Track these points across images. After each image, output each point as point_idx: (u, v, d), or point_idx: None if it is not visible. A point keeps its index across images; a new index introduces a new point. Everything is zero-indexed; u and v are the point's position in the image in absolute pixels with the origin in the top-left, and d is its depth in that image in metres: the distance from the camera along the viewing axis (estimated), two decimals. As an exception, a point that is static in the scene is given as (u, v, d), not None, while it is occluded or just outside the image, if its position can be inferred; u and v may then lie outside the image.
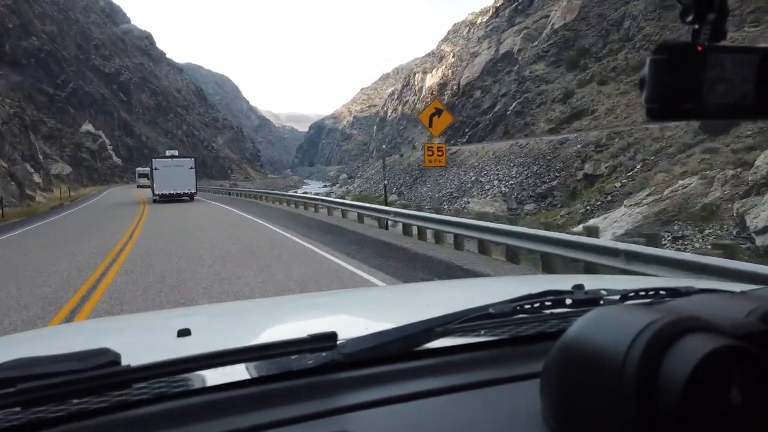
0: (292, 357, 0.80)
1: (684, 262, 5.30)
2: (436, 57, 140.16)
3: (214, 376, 0.78)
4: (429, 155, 12.54)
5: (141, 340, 1.33)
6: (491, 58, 62.57)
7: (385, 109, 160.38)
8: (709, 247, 12.28)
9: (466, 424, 0.68)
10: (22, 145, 36.52)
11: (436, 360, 0.86)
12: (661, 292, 1.00)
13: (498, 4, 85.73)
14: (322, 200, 20.31)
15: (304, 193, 29.90)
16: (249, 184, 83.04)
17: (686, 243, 17.34)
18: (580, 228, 18.47)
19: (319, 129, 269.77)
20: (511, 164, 34.49)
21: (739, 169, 18.77)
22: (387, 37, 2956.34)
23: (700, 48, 0.57)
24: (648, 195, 20.70)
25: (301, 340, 0.77)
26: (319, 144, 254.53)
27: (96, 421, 0.69)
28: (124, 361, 0.69)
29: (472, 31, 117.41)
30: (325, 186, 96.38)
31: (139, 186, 49.66)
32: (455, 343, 0.90)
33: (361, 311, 1.56)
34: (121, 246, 11.05)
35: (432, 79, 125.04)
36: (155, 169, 31.04)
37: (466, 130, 53.50)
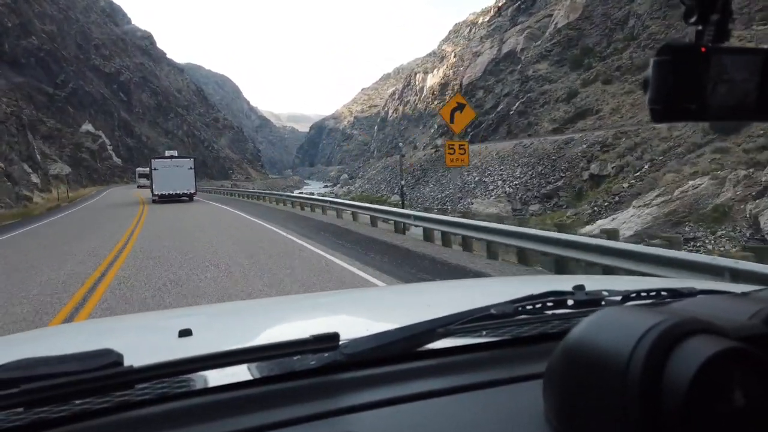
0: (295, 358, 0.80)
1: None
2: (437, 57, 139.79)
3: (217, 377, 0.78)
4: (450, 154, 11.61)
5: (142, 341, 1.33)
6: (494, 57, 62.16)
7: (386, 109, 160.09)
8: (735, 249, 11.81)
9: (468, 424, 0.69)
10: (20, 144, 36.10)
11: (438, 360, 0.86)
12: (663, 293, 1.00)
13: (500, 4, 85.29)
14: (331, 202, 19.10)
15: (310, 194, 28.73)
16: (250, 184, 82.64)
17: (698, 245, 16.91)
18: (596, 230, 18.02)
19: (319, 129, 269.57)
20: (515, 164, 34.06)
21: (751, 170, 18.34)
22: (387, 37, 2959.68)
23: (703, 49, 0.57)
24: (657, 196, 20.27)
25: (304, 341, 0.77)
26: (320, 144, 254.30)
27: (99, 422, 0.69)
28: (126, 362, 0.70)
29: (473, 30, 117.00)
30: (326, 186, 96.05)
31: (140, 186, 49.34)
32: (457, 344, 0.90)
33: (362, 311, 1.55)
34: (115, 253, 10.29)
35: (433, 79, 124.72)
36: (154, 169, 31.06)
37: (469, 130, 52.94)
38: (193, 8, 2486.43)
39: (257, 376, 0.80)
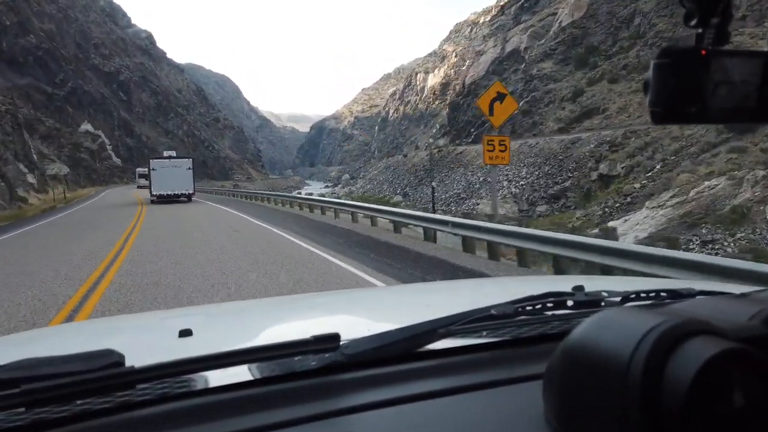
0: (296, 358, 0.81)
1: None
2: (437, 57, 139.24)
3: (218, 377, 0.78)
4: (489, 150, 10.09)
5: (142, 341, 1.32)
6: (497, 56, 61.55)
7: (387, 109, 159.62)
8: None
9: (469, 425, 0.69)
10: (15, 144, 35.43)
11: (438, 361, 0.87)
12: (662, 293, 1.01)
13: (503, 2, 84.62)
14: (346, 204, 17.20)
15: (321, 195, 27.32)
16: (250, 184, 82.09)
17: (717, 247, 16.28)
18: (605, 228, 17.34)
19: (320, 129, 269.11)
20: (521, 164, 33.45)
21: (770, 170, 17.68)
22: (387, 37, 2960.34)
23: (704, 52, 0.58)
24: (672, 196, 19.62)
25: (304, 341, 0.78)
26: (320, 144, 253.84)
27: (99, 422, 0.69)
28: (127, 362, 0.70)
29: (474, 30, 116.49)
30: (326, 186, 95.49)
31: (139, 186, 48.82)
32: (458, 344, 0.91)
33: (362, 312, 1.54)
34: (104, 267, 8.63)
35: (434, 79, 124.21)
36: (153, 169, 30.93)
37: (472, 129, 52.42)
38: (193, 8, 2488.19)
39: (258, 376, 0.81)
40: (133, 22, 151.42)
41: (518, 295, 1.00)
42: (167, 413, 0.71)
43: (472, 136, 50.83)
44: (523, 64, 52.79)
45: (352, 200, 20.86)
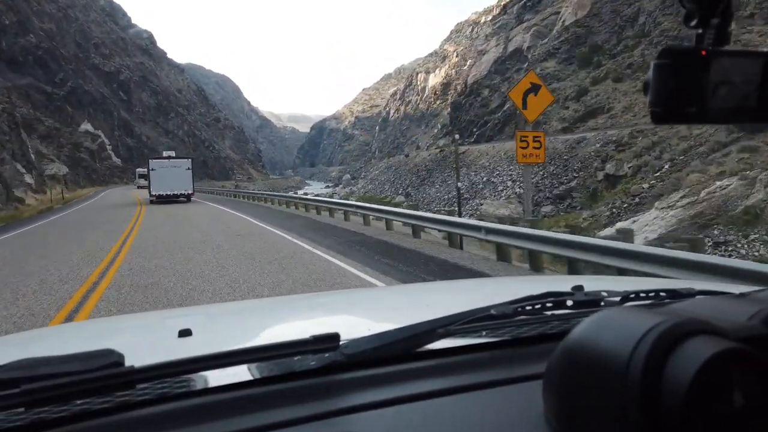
0: (295, 358, 0.81)
1: None
2: (438, 57, 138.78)
3: (217, 377, 0.79)
4: (523, 147, 9.14)
5: (142, 341, 1.32)
6: (499, 55, 61.13)
7: (388, 109, 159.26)
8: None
9: (468, 425, 0.69)
10: (12, 143, 34.99)
11: (438, 361, 0.87)
12: (662, 293, 1.01)
13: (505, 2, 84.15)
14: (358, 206, 15.86)
15: (329, 196, 26.37)
16: (251, 184, 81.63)
17: (730, 249, 15.86)
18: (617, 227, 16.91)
19: (320, 129, 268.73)
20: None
21: (784, 169, 17.24)
22: (387, 37, 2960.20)
23: (704, 52, 0.58)
24: (682, 197, 19.18)
25: (304, 341, 0.78)
26: (321, 144, 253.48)
27: (99, 422, 0.69)
28: (127, 362, 0.70)
29: (475, 30, 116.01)
30: (327, 186, 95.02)
31: (139, 187, 48.50)
32: (457, 344, 0.91)
33: (362, 312, 1.54)
34: (96, 277, 7.80)
35: (435, 79, 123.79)
36: (152, 169, 30.76)
37: (474, 129, 51.98)
38: (193, 8, 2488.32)
39: (258, 376, 0.81)
40: (133, 21, 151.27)
41: (518, 294, 1.00)
42: (167, 413, 0.71)
43: (475, 136, 50.39)
44: (526, 63, 52.35)
45: (361, 202, 19.97)
